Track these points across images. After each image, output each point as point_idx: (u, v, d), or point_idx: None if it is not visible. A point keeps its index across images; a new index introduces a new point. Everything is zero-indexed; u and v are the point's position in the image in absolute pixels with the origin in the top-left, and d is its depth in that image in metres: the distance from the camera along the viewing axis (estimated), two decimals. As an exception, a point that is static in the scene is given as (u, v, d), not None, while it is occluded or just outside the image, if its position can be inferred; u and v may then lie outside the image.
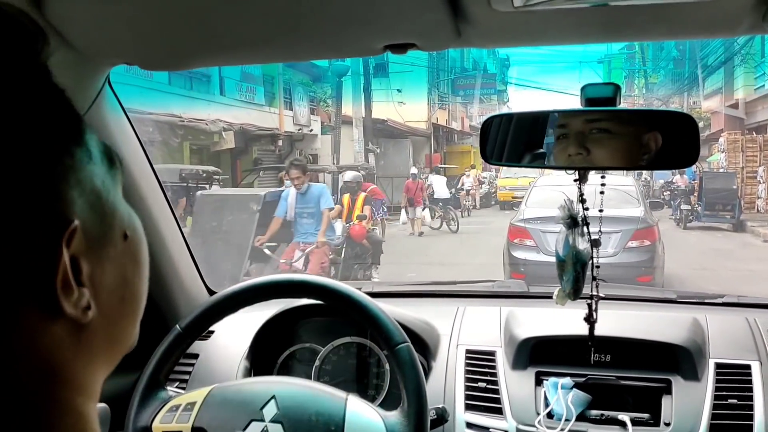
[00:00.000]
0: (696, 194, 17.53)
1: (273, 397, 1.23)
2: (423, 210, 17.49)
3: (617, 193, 8.47)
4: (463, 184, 24.08)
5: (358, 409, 1.22)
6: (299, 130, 20.89)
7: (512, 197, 22.37)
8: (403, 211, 17.75)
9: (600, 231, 1.26)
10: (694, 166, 19.18)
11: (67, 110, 0.52)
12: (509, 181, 24.51)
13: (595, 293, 1.26)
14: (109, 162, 0.55)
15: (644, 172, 12.52)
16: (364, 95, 22.54)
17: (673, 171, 20.57)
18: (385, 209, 16.51)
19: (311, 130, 21.87)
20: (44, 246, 0.47)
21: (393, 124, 24.97)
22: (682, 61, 30.17)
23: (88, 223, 0.50)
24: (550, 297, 1.80)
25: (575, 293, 1.25)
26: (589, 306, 1.27)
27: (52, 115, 0.50)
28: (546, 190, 9.34)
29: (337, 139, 21.35)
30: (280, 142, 19.61)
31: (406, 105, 26.87)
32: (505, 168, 22.14)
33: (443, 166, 28.38)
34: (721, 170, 20.18)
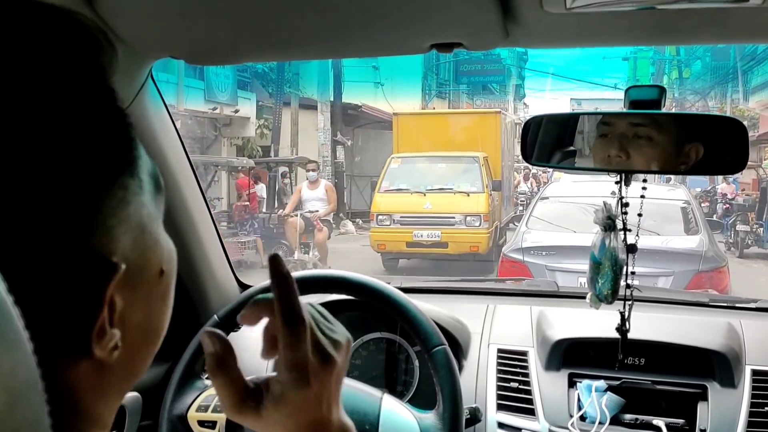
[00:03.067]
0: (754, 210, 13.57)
1: None
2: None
3: (662, 210, 6.16)
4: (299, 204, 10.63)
5: (393, 408, 1.22)
6: (214, 109, 14.83)
7: (409, 243, 10.56)
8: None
9: (638, 236, 1.24)
10: (736, 174, 17.00)
11: (124, 135, 0.48)
12: (398, 199, 11.12)
13: (629, 301, 1.25)
14: (155, 187, 0.52)
15: (673, 178, 10.60)
16: (333, 73, 17.47)
17: (713, 178, 17.23)
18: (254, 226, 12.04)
19: (236, 111, 15.62)
20: (87, 293, 0.44)
21: (370, 111, 19.75)
22: (725, 50, 25.35)
23: (130, 259, 0.47)
24: (580, 297, 1.78)
25: (612, 296, 1.24)
26: (622, 315, 1.26)
27: (108, 143, 0.46)
28: (559, 203, 6.75)
29: (277, 124, 16.90)
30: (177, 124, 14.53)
31: (397, 91, 21.61)
32: (394, 163, 11.62)
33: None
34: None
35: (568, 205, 6.47)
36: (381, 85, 21.21)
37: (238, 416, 0.63)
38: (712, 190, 17.44)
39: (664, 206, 6.33)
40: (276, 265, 0.62)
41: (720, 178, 16.61)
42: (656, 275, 5.31)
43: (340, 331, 0.66)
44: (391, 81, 21.63)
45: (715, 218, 12.24)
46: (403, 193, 11.38)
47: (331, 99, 17.35)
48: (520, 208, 15.83)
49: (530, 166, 15.55)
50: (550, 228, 6.30)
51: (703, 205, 15.15)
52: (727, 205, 14.96)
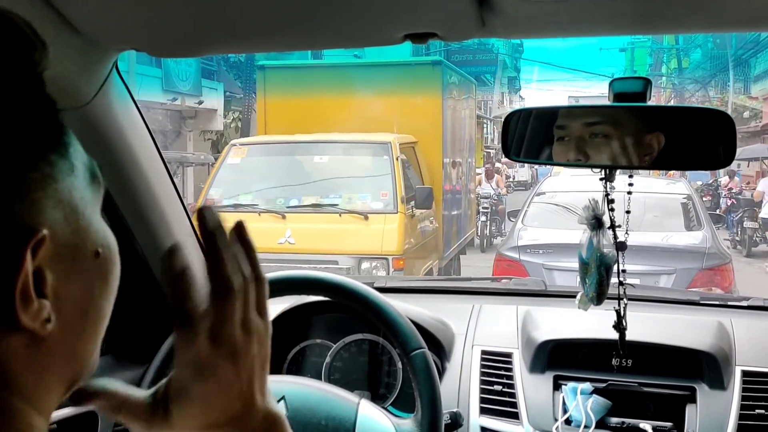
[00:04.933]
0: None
1: (283, 397, 1.20)
2: None
3: (662, 203, 6.14)
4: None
5: (369, 414, 1.19)
6: (173, 100, 13.32)
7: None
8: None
9: (627, 233, 1.21)
10: (736, 165, 15.92)
11: (53, 120, 0.52)
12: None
13: (623, 299, 1.21)
14: (91, 178, 0.55)
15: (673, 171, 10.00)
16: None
17: (715, 171, 15.91)
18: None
19: (201, 103, 14.02)
20: (6, 254, 0.46)
21: None
22: (726, 37, 23.26)
23: (59, 234, 0.49)
24: (568, 296, 1.75)
25: (599, 297, 1.21)
26: (618, 313, 1.22)
27: (35, 123, 0.50)
28: (556, 198, 6.45)
29: (246, 116, 15.36)
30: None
31: None
32: (234, 155, 6.58)
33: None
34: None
35: (567, 200, 6.21)
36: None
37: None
38: (714, 183, 16.69)
39: (664, 200, 6.24)
40: (204, 221, 0.58)
41: (722, 171, 16.14)
42: (658, 273, 5.23)
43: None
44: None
45: (718, 213, 11.64)
46: (244, 213, 5.95)
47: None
48: (482, 218, 12.86)
49: (494, 162, 13.72)
50: (547, 225, 6.05)
51: (704, 199, 14.23)
52: (733, 200, 13.92)
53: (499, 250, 6.03)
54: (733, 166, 16.56)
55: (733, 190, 14.49)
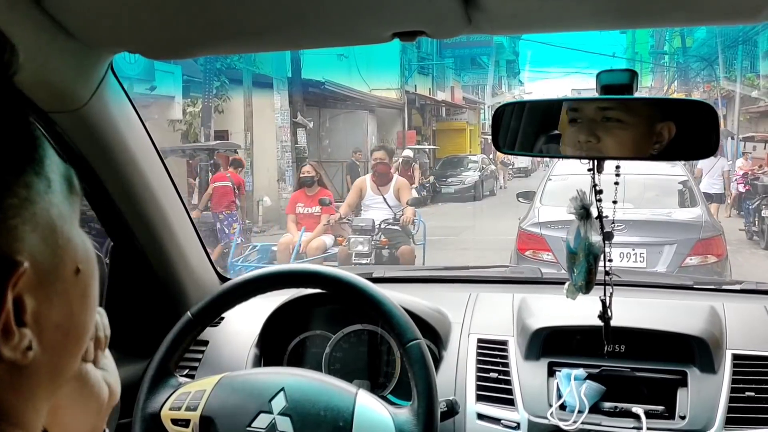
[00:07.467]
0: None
1: (282, 389, 1.23)
2: None
3: (660, 184, 6.95)
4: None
5: (367, 404, 1.21)
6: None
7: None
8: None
9: (613, 222, 1.23)
10: (751, 147, 15.43)
11: (26, 133, 0.48)
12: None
13: (609, 288, 1.23)
14: (68, 188, 0.52)
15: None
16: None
17: (721, 154, 14.10)
18: (237, 229, 8.85)
19: (153, 89, 12.32)
20: None
21: (336, 88, 16.94)
22: None
23: (39, 258, 0.46)
24: (563, 283, 1.78)
25: (587, 286, 1.23)
26: (603, 303, 1.24)
27: (7, 140, 0.46)
28: (568, 180, 6.83)
29: (207, 104, 13.75)
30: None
31: (373, 67, 19.32)
32: None
33: (419, 147, 20.06)
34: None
35: (577, 181, 6.58)
36: (345, 58, 18.13)
37: None
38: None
39: (661, 181, 7.04)
40: None
41: (730, 155, 15.72)
42: (661, 244, 5.89)
43: None
44: (366, 56, 19.12)
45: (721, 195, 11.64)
46: None
47: (289, 75, 14.57)
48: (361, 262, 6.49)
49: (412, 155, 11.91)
50: (563, 203, 6.47)
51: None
52: (748, 186, 12.31)
53: (521, 225, 6.64)
54: (748, 148, 16.52)
55: (748, 175, 12.88)
